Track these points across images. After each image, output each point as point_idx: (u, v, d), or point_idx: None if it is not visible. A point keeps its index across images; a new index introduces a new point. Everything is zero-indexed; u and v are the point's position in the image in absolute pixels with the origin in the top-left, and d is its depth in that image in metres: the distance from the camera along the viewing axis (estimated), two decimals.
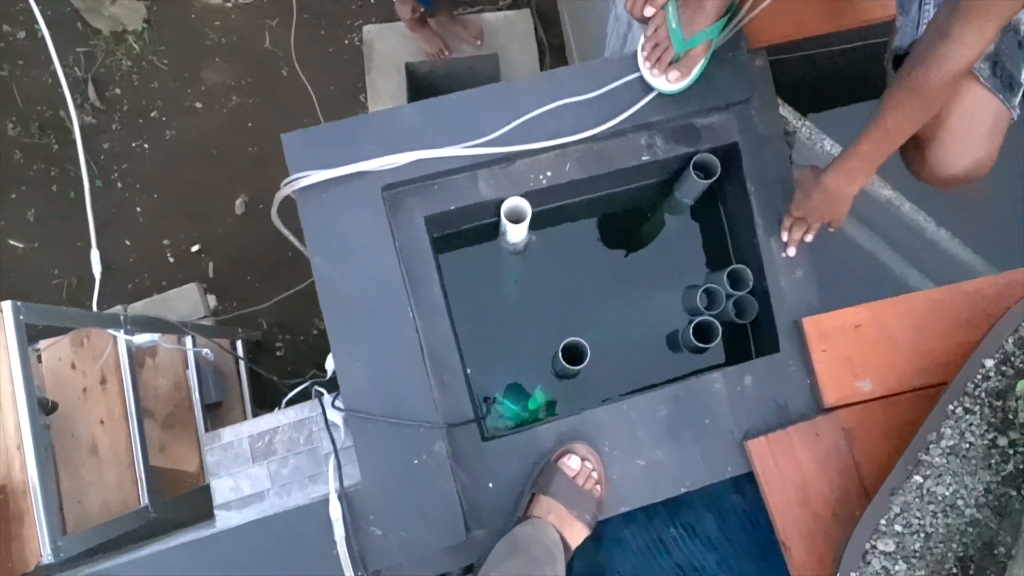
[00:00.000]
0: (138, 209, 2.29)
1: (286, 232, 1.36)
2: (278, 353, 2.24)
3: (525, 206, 1.24)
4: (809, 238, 1.21)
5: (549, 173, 1.23)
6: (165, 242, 2.28)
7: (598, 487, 1.16)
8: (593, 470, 1.16)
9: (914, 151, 1.16)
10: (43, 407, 1.41)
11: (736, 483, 1.48)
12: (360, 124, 1.18)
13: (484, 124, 1.18)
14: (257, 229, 2.28)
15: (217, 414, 1.92)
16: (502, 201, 1.24)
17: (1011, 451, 1.07)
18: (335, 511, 1.11)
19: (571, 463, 1.15)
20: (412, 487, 1.12)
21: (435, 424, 1.13)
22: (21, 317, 1.21)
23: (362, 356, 1.14)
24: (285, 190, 1.18)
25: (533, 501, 1.15)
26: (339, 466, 1.14)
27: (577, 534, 1.15)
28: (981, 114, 1.11)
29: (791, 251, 1.21)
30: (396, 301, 1.15)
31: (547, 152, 1.22)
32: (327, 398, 1.26)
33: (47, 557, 1.16)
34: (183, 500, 1.62)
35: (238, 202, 2.28)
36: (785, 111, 1.42)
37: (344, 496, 1.12)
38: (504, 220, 1.25)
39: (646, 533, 1.50)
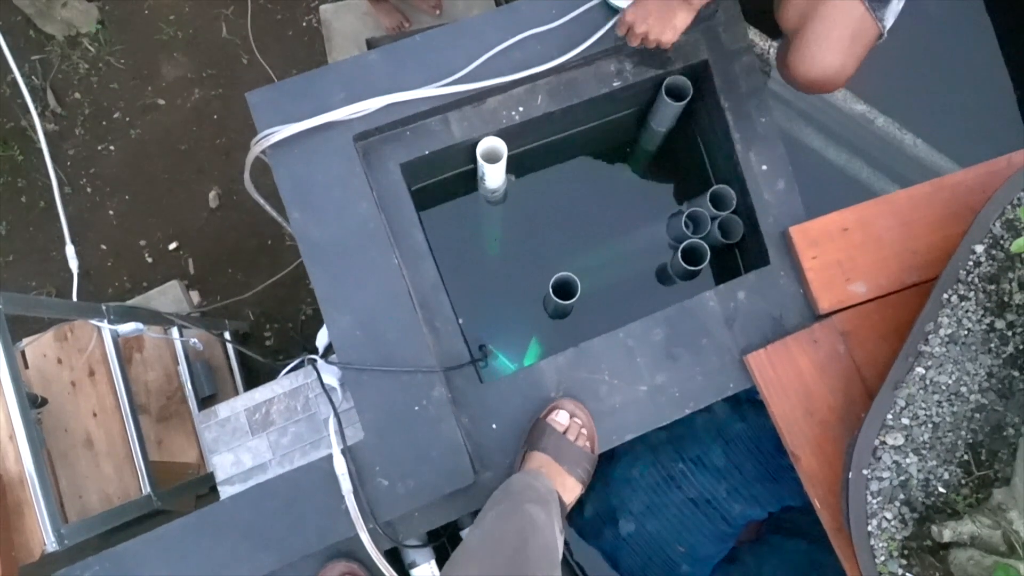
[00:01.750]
0: (111, 212, 2.26)
1: (261, 200, 1.34)
2: (268, 343, 2.21)
3: (500, 145, 1.23)
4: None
5: (521, 108, 1.21)
6: (141, 243, 2.24)
7: (588, 442, 1.15)
8: (583, 426, 1.15)
9: (784, 51, 1.14)
10: (31, 402, 1.38)
11: (739, 411, 1.48)
12: (325, 74, 1.17)
13: (449, 63, 1.16)
14: (234, 220, 2.25)
15: (212, 407, 1.89)
16: (476, 142, 1.22)
17: (1009, 333, 1.06)
18: (340, 465, 1.09)
19: (559, 418, 1.14)
20: (415, 434, 1.11)
21: (432, 369, 1.12)
22: (1, 307, 1.19)
23: (351, 308, 1.13)
24: (255, 149, 1.16)
25: (525, 459, 1.13)
26: (339, 423, 1.12)
27: (570, 489, 1.13)
28: (843, 19, 1.09)
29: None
30: (380, 250, 1.14)
31: (517, 87, 1.21)
32: (321, 362, 1.24)
33: (51, 544, 1.14)
34: (187, 488, 1.60)
35: (211, 195, 2.25)
36: (753, 34, 1.41)
37: (348, 451, 1.10)
38: (481, 162, 1.23)
39: (655, 470, 1.49)
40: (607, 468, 1.53)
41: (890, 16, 1.09)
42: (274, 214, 1.39)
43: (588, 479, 1.15)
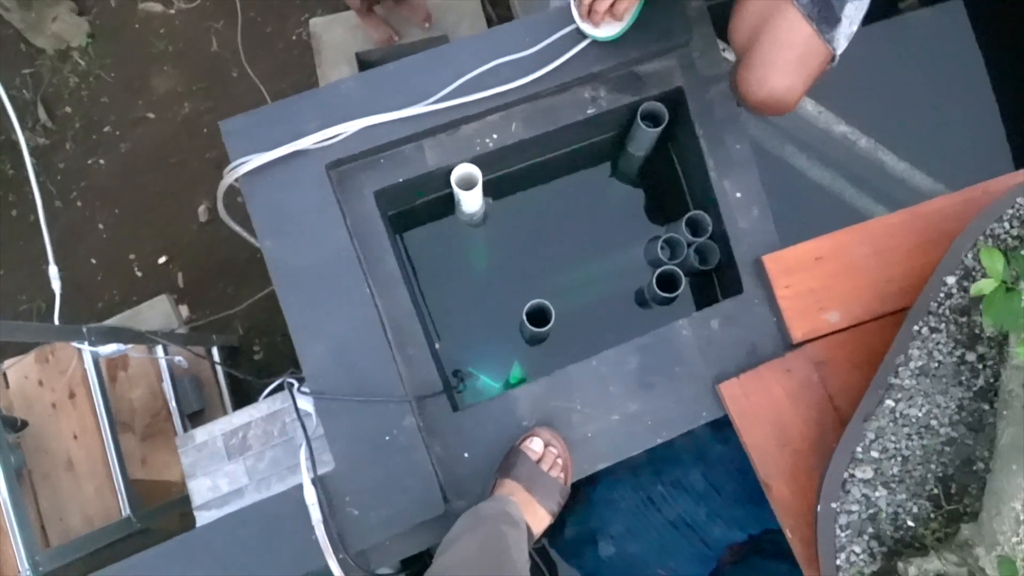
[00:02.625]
0: (100, 226, 2.26)
1: (236, 227, 1.34)
2: (256, 356, 2.22)
3: (475, 172, 1.23)
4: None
5: (495, 135, 1.21)
6: (131, 256, 2.25)
7: (562, 473, 1.15)
8: (558, 456, 1.14)
9: (734, 71, 1.13)
10: (11, 425, 1.39)
11: (720, 434, 1.48)
12: (300, 102, 1.17)
13: (424, 88, 1.16)
14: (223, 234, 2.25)
15: (199, 423, 1.89)
16: (451, 169, 1.22)
17: (980, 365, 1.06)
18: (310, 496, 1.09)
19: (534, 446, 1.13)
20: (386, 464, 1.11)
21: (402, 398, 1.12)
22: None
23: (322, 336, 1.13)
24: (228, 178, 1.16)
25: (497, 485, 1.13)
26: (311, 451, 1.13)
27: (540, 520, 1.12)
28: (791, 39, 1.07)
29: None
30: (351, 278, 1.14)
31: (491, 114, 1.21)
32: (297, 387, 1.24)
33: (25, 572, 1.14)
34: (170, 507, 1.60)
35: (201, 209, 2.25)
36: (729, 54, 1.41)
37: (318, 480, 1.11)
38: (456, 189, 1.23)
39: (634, 493, 1.49)
40: (587, 490, 1.53)
41: (842, 39, 1.08)
42: (251, 239, 1.40)
43: (559, 510, 1.14)
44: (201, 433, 1.34)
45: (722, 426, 1.48)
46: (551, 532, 1.57)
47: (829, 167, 1.59)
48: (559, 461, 1.14)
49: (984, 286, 0.76)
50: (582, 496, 1.54)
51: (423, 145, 1.21)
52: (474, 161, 1.22)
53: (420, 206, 1.37)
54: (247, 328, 2.21)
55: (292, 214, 1.14)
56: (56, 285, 1.55)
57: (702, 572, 1.51)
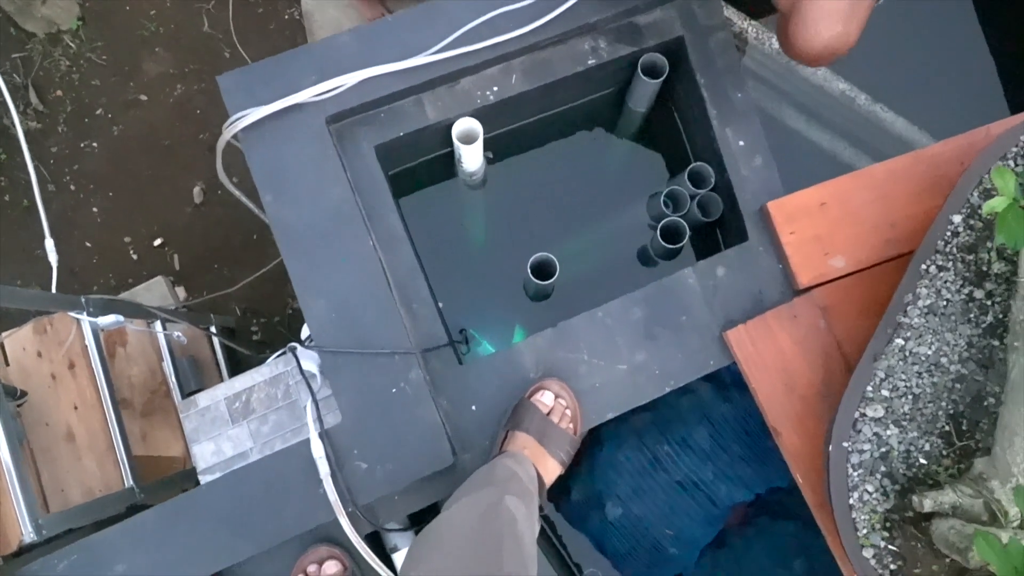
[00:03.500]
0: (95, 209, 2.25)
1: (234, 189, 1.33)
2: (255, 337, 2.20)
3: (476, 126, 1.22)
4: None
5: (496, 88, 1.21)
6: (126, 239, 2.23)
7: (572, 425, 1.14)
8: (567, 408, 1.14)
9: (782, 24, 1.12)
10: (11, 394, 1.37)
11: (725, 393, 1.47)
12: (296, 56, 1.16)
13: (421, 41, 1.15)
14: (219, 215, 2.24)
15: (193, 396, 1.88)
16: (451, 124, 1.21)
17: (988, 302, 1.06)
18: (317, 449, 1.08)
19: (544, 399, 1.13)
20: (393, 417, 1.10)
21: (408, 351, 1.11)
22: None
23: (326, 291, 1.12)
24: (227, 133, 1.15)
25: (508, 438, 1.12)
26: (316, 405, 1.11)
27: (551, 471, 1.12)
28: None
29: None
30: (355, 233, 1.13)
31: (490, 67, 1.20)
32: (300, 349, 1.23)
33: (28, 535, 1.13)
34: (172, 483, 1.59)
35: (195, 190, 2.24)
36: (729, 12, 1.41)
37: (325, 434, 1.09)
38: (457, 143, 1.22)
39: (640, 454, 1.49)
40: (593, 452, 1.52)
41: None
42: (249, 204, 1.39)
43: (569, 461, 1.14)
44: (204, 398, 1.32)
45: (727, 386, 1.48)
46: (556, 498, 1.57)
47: (828, 127, 1.59)
48: (568, 413, 1.14)
49: (997, 204, 0.76)
50: (587, 459, 1.53)
51: (422, 99, 1.20)
52: (474, 115, 1.22)
53: (420, 166, 1.36)
54: (244, 309, 2.20)
55: (292, 168, 1.13)
56: (53, 257, 1.54)
57: (708, 532, 1.51)
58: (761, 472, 1.46)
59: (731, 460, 1.46)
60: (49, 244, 1.57)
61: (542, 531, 1.53)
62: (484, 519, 0.90)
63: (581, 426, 1.15)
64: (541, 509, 1.45)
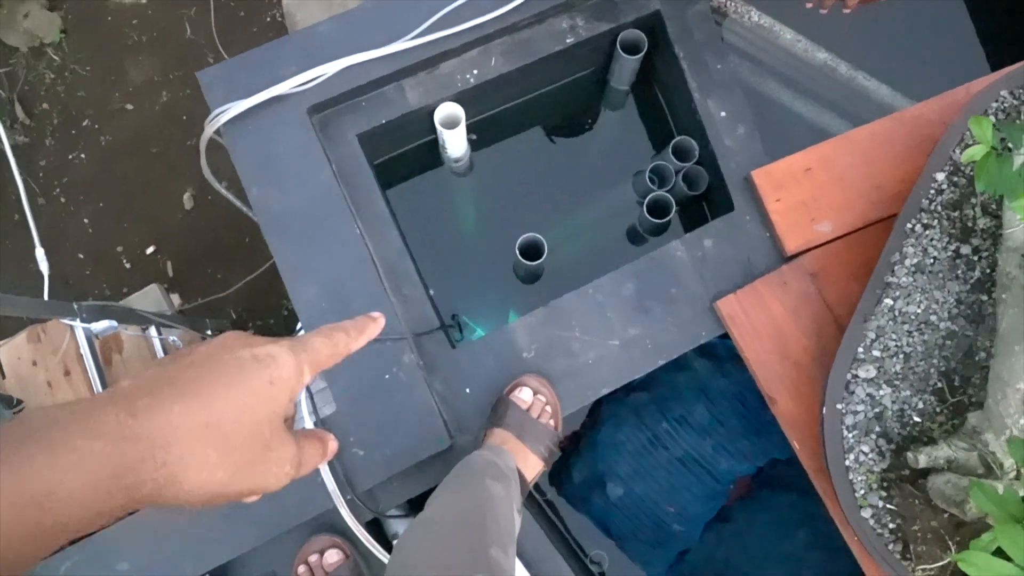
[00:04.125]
0: (86, 220, 2.25)
1: (222, 190, 1.33)
2: None
3: (458, 110, 1.22)
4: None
5: (476, 71, 1.21)
6: (119, 249, 2.23)
7: (552, 420, 1.14)
8: (547, 403, 1.14)
9: None
10: (7, 403, 1.37)
11: (721, 368, 1.47)
12: (277, 47, 1.16)
13: (400, 26, 1.16)
14: (210, 220, 2.24)
15: None
16: (433, 109, 1.22)
17: (975, 258, 1.06)
18: None
19: (523, 395, 1.12)
20: (388, 402, 1.10)
21: (400, 335, 1.11)
22: None
23: (314, 279, 1.12)
24: (209, 129, 1.15)
25: (488, 435, 1.12)
26: (311, 395, 1.12)
27: (532, 467, 1.12)
28: None
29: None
30: (340, 219, 1.13)
31: (470, 49, 1.20)
32: None
33: None
34: None
35: (186, 196, 2.24)
36: None
37: (322, 424, 1.10)
38: (440, 128, 1.23)
39: (639, 432, 1.49)
40: (592, 433, 1.53)
41: None
42: (237, 203, 1.39)
43: (550, 456, 1.13)
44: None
45: (723, 360, 1.48)
46: (558, 481, 1.57)
47: (811, 97, 1.59)
48: (548, 408, 1.13)
49: (975, 152, 0.76)
50: (586, 441, 1.53)
51: (403, 85, 1.20)
52: (456, 99, 1.22)
53: (406, 155, 1.36)
54: (240, 312, 2.19)
55: (276, 160, 1.14)
56: (44, 265, 1.54)
57: (711, 508, 1.51)
58: (760, 445, 1.46)
59: (730, 434, 1.46)
60: (40, 253, 1.57)
61: (545, 516, 1.53)
62: (465, 502, 0.91)
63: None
64: (539, 505, 1.45)
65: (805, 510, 1.47)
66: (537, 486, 1.56)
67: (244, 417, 0.41)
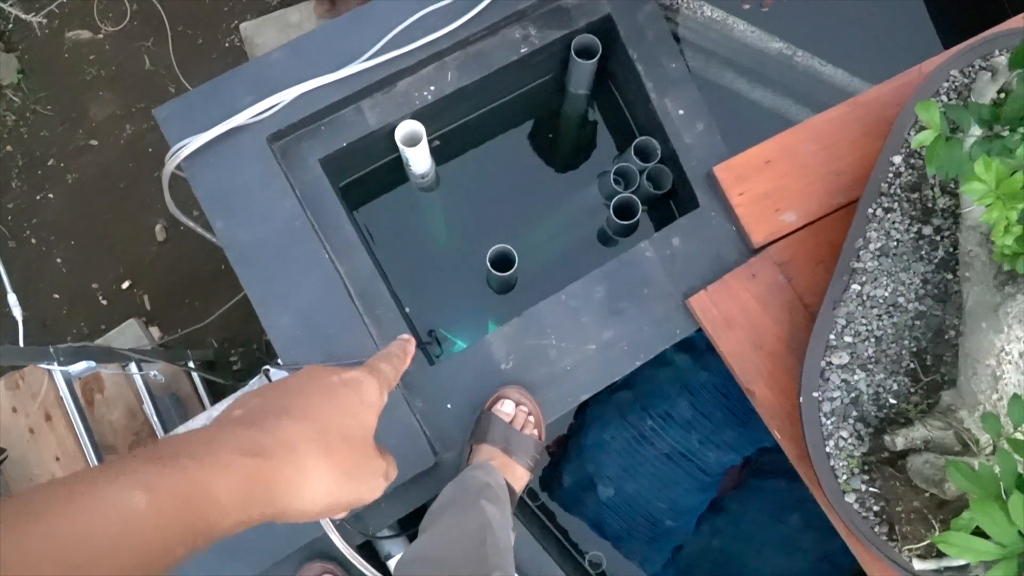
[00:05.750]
0: (58, 260, 2.23)
1: (188, 221, 1.33)
2: (235, 367, 2.20)
3: (418, 127, 1.22)
4: None
5: (432, 87, 1.21)
6: (94, 286, 2.22)
7: (536, 430, 1.14)
8: (529, 414, 1.14)
9: None
10: None
11: (701, 361, 1.48)
12: (231, 78, 1.16)
13: (354, 48, 1.16)
14: (184, 250, 2.23)
15: (171, 430, 1.87)
16: (393, 128, 1.22)
17: (938, 237, 1.07)
18: None
19: (505, 408, 1.12)
20: None
21: None
22: None
23: (287, 308, 1.12)
24: (169, 165, 1.15)
25: (473, 451, 1.12)
26: None
27: (519, 479, 1.12)
28: None
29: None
30: (307, 246, 1.13)
31: (425, 66, 1.20)
32: (272, 370, 1.23)
33: None
34: None
35: (157, 228, 2.23)
36: None
37: None
38: (402, 147, 1.23)
39: (625, 432, 1.50)
40: (579, 436, 1.53)
41: None
42: (206, 234, 1.38)
43: (536, 467, 1.14)
44: (181, 431, 1.32)
45: (702, 353, 1.49)
46: (549, 486, 1.58)
47: (770, 87, 1.60)
48: (531, 419, 1.14)
49: (924, 137, 0.77)
50: (574, 444, 1.54)
51: (361, 106, 1.20)
52: (416, 116, 1.22)
53: (372, 175, 1.36)
54: (221, 340, 2.19)
55: (239, 191, 1.13)
56: (17, 311, 1.53)
57: (703, 500, 1.52)
58: (746, 434, 1.47)
59: (715, 426, 1.47)
60: (12, 299, 1.56)
61: (540, 522, 1.53)
62: (463, 527, 0.91)
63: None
64: (529, 508, 1.45)
65: (796, 494, 1.49)
66: (531, 492, 1.57)
67: (346, 433, 0.47)
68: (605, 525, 1.51)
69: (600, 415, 1.52)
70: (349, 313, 1.12)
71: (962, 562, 0.98)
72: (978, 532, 0.77)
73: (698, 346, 1.47)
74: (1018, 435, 0.84)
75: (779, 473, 1.53)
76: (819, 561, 1.47)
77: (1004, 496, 0.74)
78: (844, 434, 1.04)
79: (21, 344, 1.55)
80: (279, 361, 1.26)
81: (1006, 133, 0.85)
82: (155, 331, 2.15)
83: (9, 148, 2.28)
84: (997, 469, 0.79)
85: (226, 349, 2.19)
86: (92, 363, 1.51)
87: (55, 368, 1.44)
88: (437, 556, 0.86)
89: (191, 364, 1.91)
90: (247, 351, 2.18)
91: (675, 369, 1.49)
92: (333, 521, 1.08)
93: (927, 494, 0.97)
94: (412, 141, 1.23)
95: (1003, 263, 0.87)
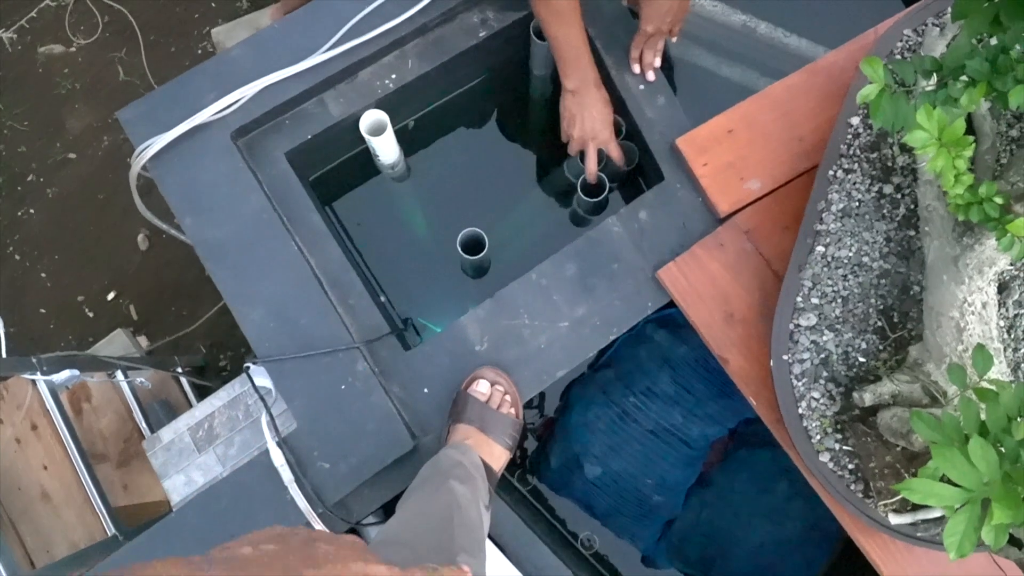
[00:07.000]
0: (43, 275, 2.24)
1: (156, 220, 1.33)
2: (224, 372, 2.20)
3: (383, 117, 1.23)
4: (657, 62, 1.21)
5: (394, 75, 1.22)
6: (79, 298, 2.22)
7: (513, 408, 1.15)
8: (505, 393, 1.15)
9: None
10: None
11: (680, 335, 1.49)
12: (193, 77, 1.17)
13: (313, 41, 1.16)
14: (167, 258, 2.23)
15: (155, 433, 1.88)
16: (357, 119, 1.22)
17: (899, 195, 1.08)
18: (277, 457, 1.09)
19: (480, 388, 1.13)
20: (347, 412, 1.11)
21: (351, 345, 1.12)
22: None
23: (259, 301, 1.13)
24: (135, 166, 1.16)
25: (451, 431, 1.13)
26: (271, 416, 1.12)
27: (498, 457, 1.13)
28: None
29: (650, 76, 1.21)
30: (276, 239, 1.14)
31: (385, 55, 1.21)
32: (252, 367, 1.24)
33: None
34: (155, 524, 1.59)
35: (140, 237, 2.23)
36: None
37: (284, 442, 1.10)
38: (367, 137, 1.23)
39: (608, 410, 1.50)
40: (563, 417, 1.54)
41: None
42: (179, 235, 1.39)
43: (515, 445, 1.14)
44: (167, 432, 1.33)
45: (681, 327, 1.50)
46: (537, 469, 1.58)
47: (736, 60, 1.61)
48: (507, 398, 1.14)
49: (869, 92, 0.77)
50: (559, 425, 1.55)
51: (324, 98, 1.21)
52: (380, 106, 1.23)
53: (341, 167, 1.37)
54: (209, 345, 2.19)
55: (205, 188, 1.14)
56: None
57: (689, 475, 1.53)
58: (729, 406, 1.48)
59: (697, 400, 1.48)
60: None
61: (530, 505, 1.54)
62: (430, 506, 0.92)
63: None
64: (518, 491, 1.46)
65: (782, 463, 1.49)
66: (520, 476, 1.58)
67: None
68: (594, 504, 1.51)
69: (583, 395, 1.53)
70: (321, 303, 1.13)
71: (937, 514, 0.99)
72: (948, 483, 0.78)
73: (677, 321, 1.48)
74: (984, 384, 0.85)
75: (765, 443, 1.53)
76: (808, 529, 1.48)
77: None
78: (816, 395, 1.05)
79: (4, 349, 1.56)
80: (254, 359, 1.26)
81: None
82: (143, 340, 2.16)
83: None
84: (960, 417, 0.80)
85: (215, 353, 2.20)
86: (76, 372, 1.51)
87: (38, 377, 1.45)
88: (405, 538, 0.87)
89: (179, 370, 1.91)
90: (236, 355, 2.19)
91: (655, 345, 1.50)
92: (315, 510, 1.08)
93: (898, 448, 0.98)
94: (377, 131, 1.23)
95: (957, 214, 0.88)
